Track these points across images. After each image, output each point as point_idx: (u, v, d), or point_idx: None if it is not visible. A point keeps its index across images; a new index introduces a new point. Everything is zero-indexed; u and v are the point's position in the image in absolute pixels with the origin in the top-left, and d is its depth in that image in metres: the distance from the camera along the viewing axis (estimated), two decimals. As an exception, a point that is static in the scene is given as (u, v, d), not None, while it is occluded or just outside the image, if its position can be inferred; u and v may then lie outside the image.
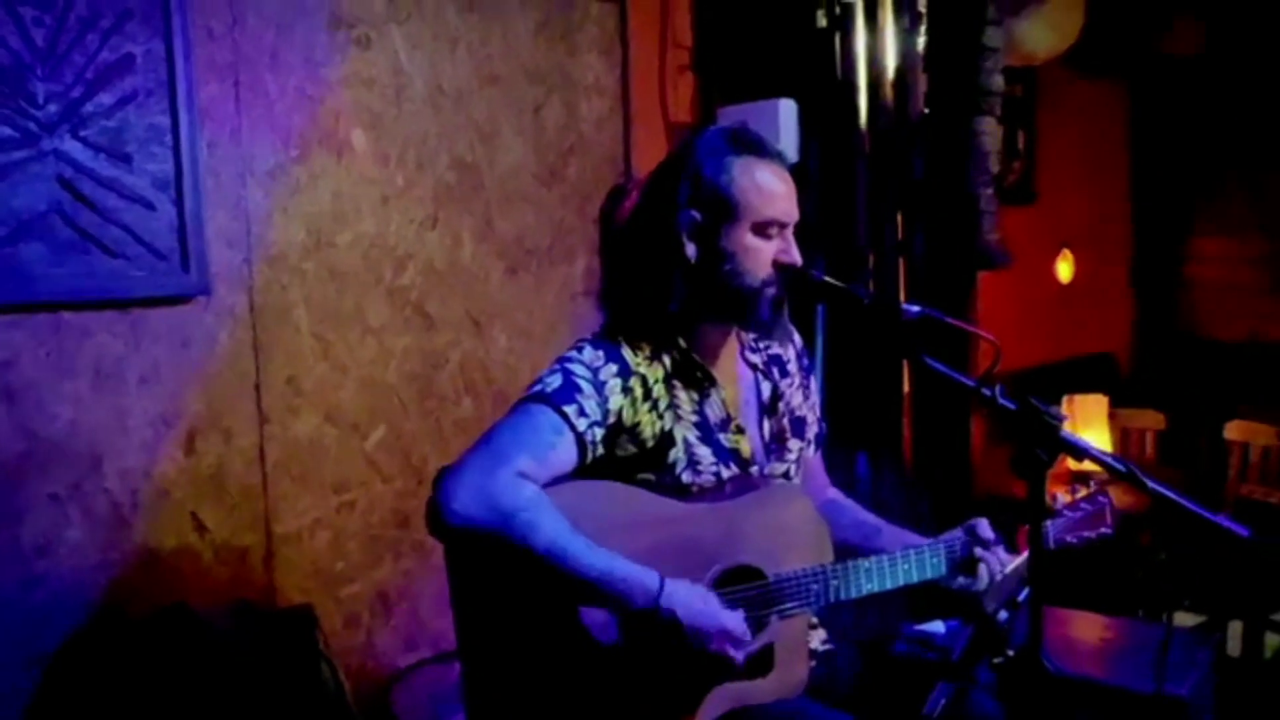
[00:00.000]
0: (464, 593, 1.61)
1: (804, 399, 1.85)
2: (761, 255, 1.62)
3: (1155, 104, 5.38)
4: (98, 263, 2.19)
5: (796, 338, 1.89)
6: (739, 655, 1.54)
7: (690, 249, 1.63)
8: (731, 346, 1.76)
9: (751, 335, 1.79)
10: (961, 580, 1.68)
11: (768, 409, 1.77)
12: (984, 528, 1.71)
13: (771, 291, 1.64)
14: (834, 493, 1.94)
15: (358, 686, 2.55)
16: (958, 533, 1.71)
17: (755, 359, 1.80)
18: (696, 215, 1.62)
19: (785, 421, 1.79)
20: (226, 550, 2.40)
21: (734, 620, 1.54)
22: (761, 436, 1.75)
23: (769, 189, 1.62)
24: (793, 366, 1.85)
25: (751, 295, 1.63)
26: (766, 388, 1.78)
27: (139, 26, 2.21)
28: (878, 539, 1.77)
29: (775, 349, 1.83)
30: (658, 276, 1.65)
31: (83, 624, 2.19)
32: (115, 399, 2.24)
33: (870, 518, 1.87)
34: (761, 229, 1.62)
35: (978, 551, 1.68)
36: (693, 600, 1.52)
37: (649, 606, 1.49)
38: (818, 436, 1.88)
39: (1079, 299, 5.12)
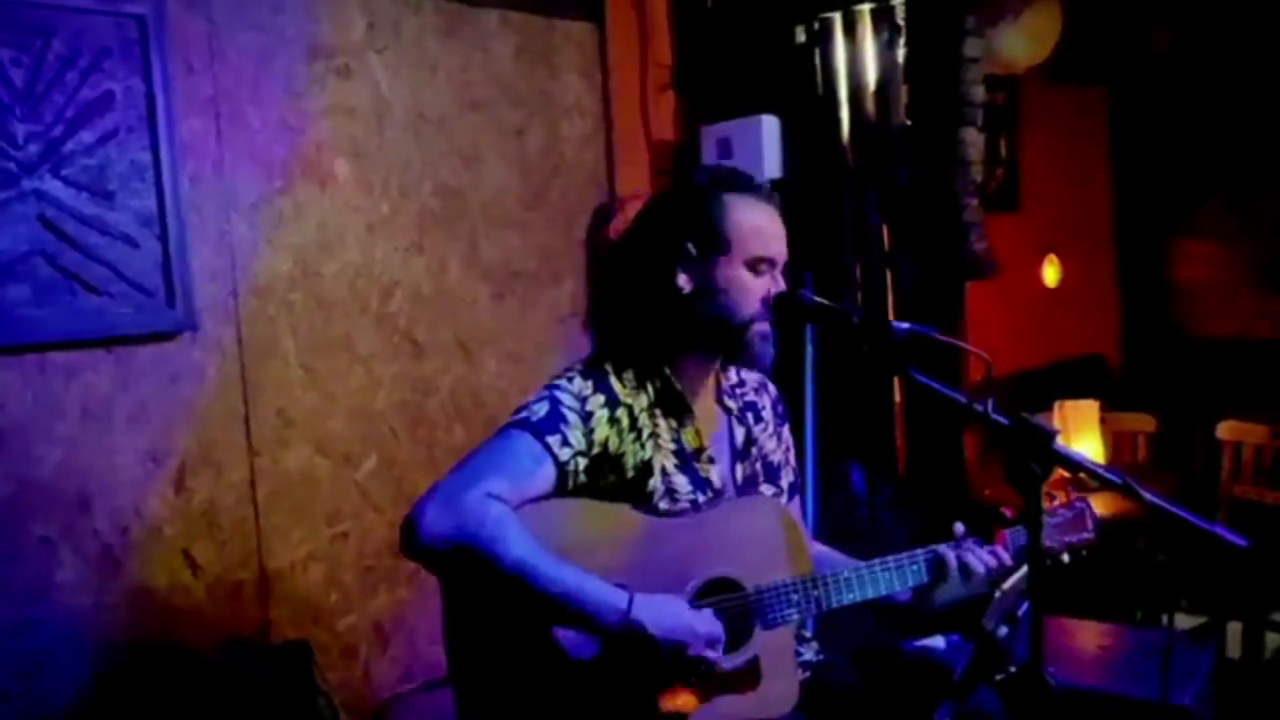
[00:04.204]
0: (454, 616, 1.60)
1: (777, 444, 1.89)
2: (752, 290, 1.66)
3: (1136, 108, 5.41)
4: (82, 302, 2.18)
5: (772, 387, 1.93)
6: (717, 655, 1.55)
7: (683, 279, 1.66)
8: (710, 387, 1.79)
9: (729, 382, 1.83)
10: (942, 590, 1.69)
11: (740, 453, 1.80)
12: (956, 528, 1.73)
13: (760, 326, 1.68)
14: (819, 546, 1.95)
15: (356, 719, 2.53)
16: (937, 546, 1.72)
17: (731, 404, 1.82)
18: (691, 248, 1.65)
19: (758, 466, 1.82)
20: (220, 587, 2.39)
21: (705, 621, 1.55)
22: (734, 480, 1.78)
23: (764, 228, 1.67)
24: (767, 413, 1.88)
25: (740, 328, 1.67)
26: (740, 432, 1.81)
27: (118, 63, 2.21)
28: None
29: (751, 396, 1.87)
30: (649, 304, 1.68)
31: (76, 668, 2.16)
32: (104, 438, 2.23)
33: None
34: (754, 265, 1.66)
35: (946, 548, 1.69)
36: (663, 612, 1.52)
37: (620, 624, 1.50)
38: (792, 486, 1.89)
39: (1066, 303, 5.13)
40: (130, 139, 2.23)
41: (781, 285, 1.69)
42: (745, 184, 1.69)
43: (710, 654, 1.54)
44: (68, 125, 2.15)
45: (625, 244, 1.77)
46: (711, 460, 1.74)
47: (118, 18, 2.21)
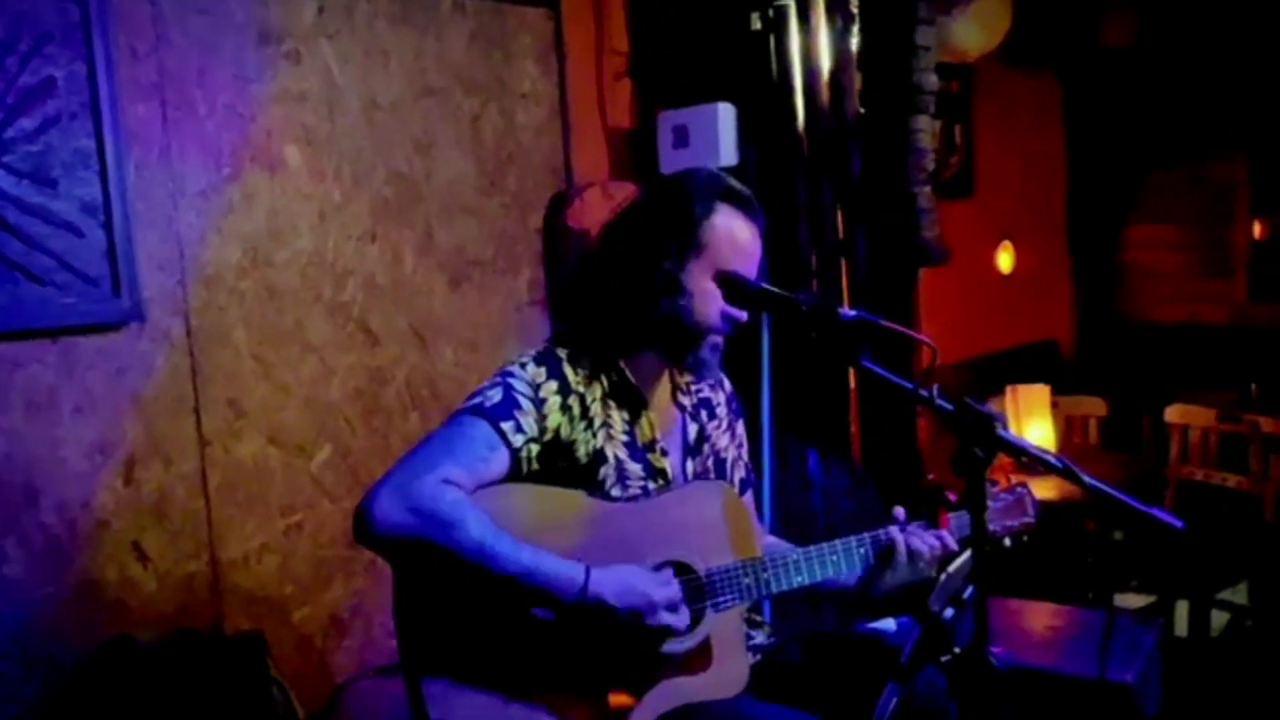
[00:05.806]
0: (405, 603, 1.59)
1: (730, 440, 1.90)
2: (714, 302, 1.66)
3: (1089, 94, 5.48)
4: (25, 291, 2.14)
5: (726, 383, 1.94)
6: (676, 620, 1.56)
7: (654, 273, 1.65)
8: (665, 384, 1.80)
9: (685, 378, 1.83)
10: (889, 574, 1.71)
11: (692, 449, 1.81)
12: (896, 512, 1.76)
13: (714, 338, 1.69)
14: (770, 537, 1.98)
15: (311, 709, 2.52)
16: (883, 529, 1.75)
17: (685, 400, 1.84)
18: (670, 245, 1.65)
19: (709, 462, 1.83)
20: (171, 579, 2.36)
21: (663, 586, 1.56)
22: (685, 475, 1.79)
23: (742, 244, 1.67)
24: (721, 410, 1.90)
25: (694, 334, 1.68)
26: (693, 429, 1.83)
27: (59, 48, 2.16)
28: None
29: (706, 393, 1.88)
30: (619, 291, 1.67)
31: (25, 662, 2.13)
32: (49, 430, 2.19)
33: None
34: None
35: (893, 531, 1.72)
36: (620, 583, 1.53)
37: (578, 596, 1.51)
38: (744, 482, 1.91)
39: (1020, 289, 5.20)
40: (73, 125, 2.19)
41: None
42: (738, 197, 1.69)
43: (669, 618, 1.55)
44: (8, 112, 2.10)
45: (613, 229, 1.76)
46: (664, 453, 1.75)
47: (59, 1, 2.16)
